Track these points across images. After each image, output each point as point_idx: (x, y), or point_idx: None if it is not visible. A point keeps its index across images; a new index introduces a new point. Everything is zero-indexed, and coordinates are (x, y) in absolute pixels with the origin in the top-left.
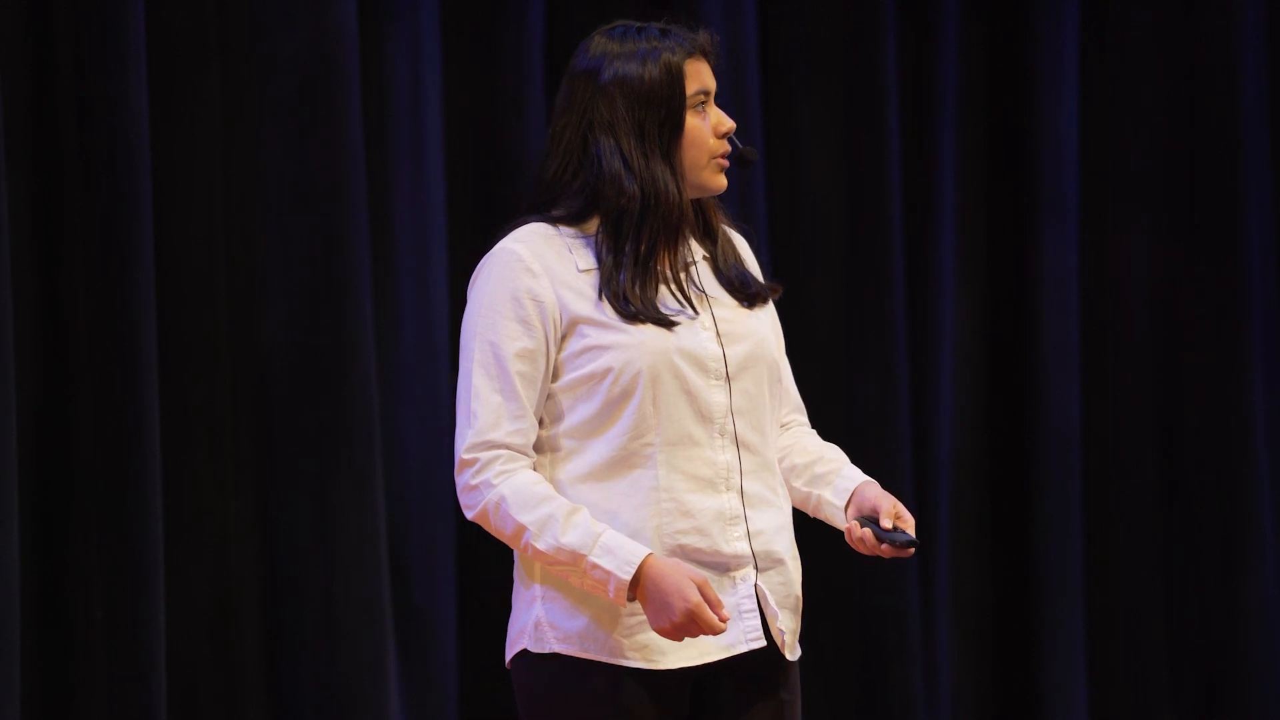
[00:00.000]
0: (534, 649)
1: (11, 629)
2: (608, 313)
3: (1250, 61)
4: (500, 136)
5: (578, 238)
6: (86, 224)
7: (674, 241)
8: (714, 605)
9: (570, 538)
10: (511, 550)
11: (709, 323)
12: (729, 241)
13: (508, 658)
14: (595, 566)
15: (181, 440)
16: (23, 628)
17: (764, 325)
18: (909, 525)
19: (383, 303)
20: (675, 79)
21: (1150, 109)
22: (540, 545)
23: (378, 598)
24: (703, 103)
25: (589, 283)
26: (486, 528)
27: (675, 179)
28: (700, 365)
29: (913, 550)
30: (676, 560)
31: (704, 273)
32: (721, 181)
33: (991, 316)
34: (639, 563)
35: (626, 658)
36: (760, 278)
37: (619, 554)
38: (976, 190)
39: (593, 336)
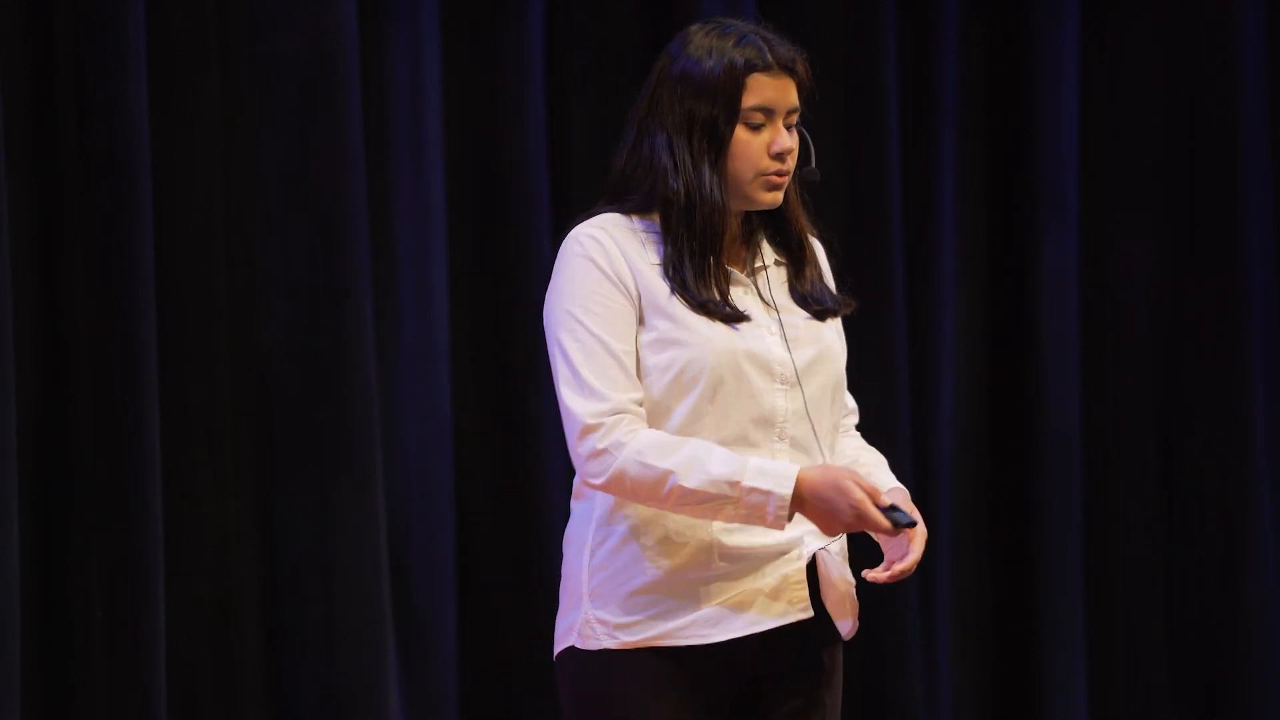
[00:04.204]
0: (582, 646)
1: (11, 629)
2: (678, 306)
3: (1250, 61)
4: (500, 137)
5: (650, 230)
6: (86, 224)
7: (721, 243)
8: (872, 494)
9: (720, 468)
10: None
11: (776, 328)
12: (813, 255)
13: (555, 653)
14: (753, 490)
15: (181, 441)
16: (23, 628)
17: (830, 334)
18: (913, 512)
19: (383, 303)
20: (733, 86)
21: (1150, 109)
22: (689, 484)
23: (378, 598)
24: (762, 121)
25: (661, 276)
26: (619, 490)
27: (720, 186)
28: (765, 368)
29: (911, 529)
30: (824, 465)
31: (775, 280)
32: (770, 198)
33: (991, 316)
34: (795, 476)
35: (674, 639)
36: (833, 287)
37: (773, 475)
38: (976, 190)
39: (662, 330)
